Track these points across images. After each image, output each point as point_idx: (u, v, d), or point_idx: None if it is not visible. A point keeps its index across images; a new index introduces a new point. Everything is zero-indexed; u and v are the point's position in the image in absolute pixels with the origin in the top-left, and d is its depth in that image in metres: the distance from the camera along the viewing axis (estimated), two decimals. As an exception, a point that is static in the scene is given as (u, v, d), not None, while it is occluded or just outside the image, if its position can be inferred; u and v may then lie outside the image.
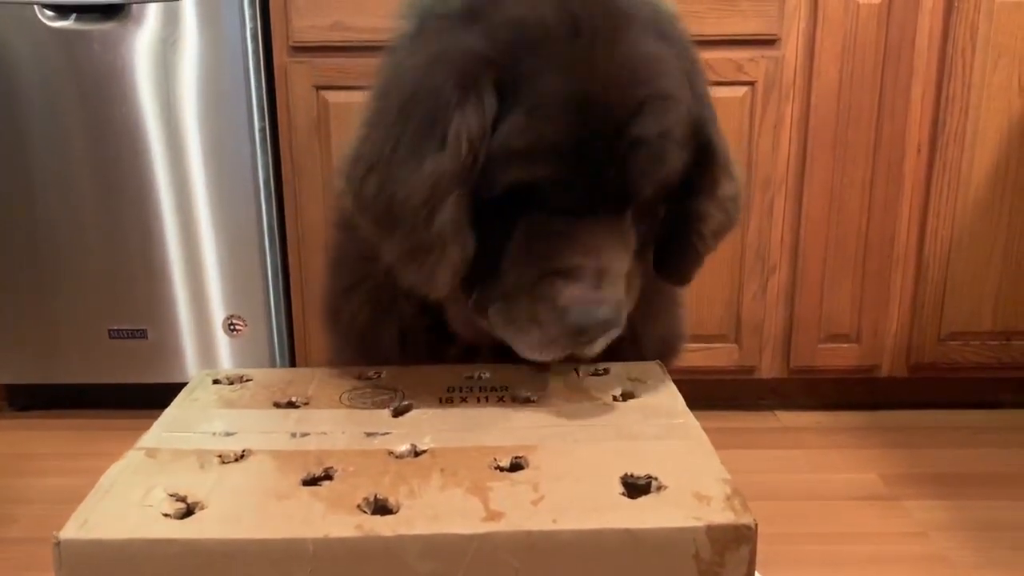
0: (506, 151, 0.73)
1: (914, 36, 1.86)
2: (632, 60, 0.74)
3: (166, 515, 0.58)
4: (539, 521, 0.57)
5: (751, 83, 1.87)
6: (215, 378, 0.84)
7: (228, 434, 0.70)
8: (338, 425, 0.72)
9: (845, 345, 2.03)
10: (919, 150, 1.93)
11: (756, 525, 0.57)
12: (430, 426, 0.72)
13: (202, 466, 0.65)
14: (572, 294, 0.73)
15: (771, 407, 2.14)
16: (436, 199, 0.74)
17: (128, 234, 1.99)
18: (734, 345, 2.03)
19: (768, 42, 1.86)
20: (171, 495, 0.60)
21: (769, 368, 2.05)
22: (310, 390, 0.80)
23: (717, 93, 1.99)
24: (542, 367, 0.83)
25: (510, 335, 0.78)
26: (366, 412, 0.75)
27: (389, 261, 0.79)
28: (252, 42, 1.88)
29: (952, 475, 1.78)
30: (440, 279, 0.76)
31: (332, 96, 1.86)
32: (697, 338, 1.98)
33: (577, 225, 0.75)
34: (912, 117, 1.91)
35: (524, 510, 0.58)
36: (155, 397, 2.19)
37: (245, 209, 1.96)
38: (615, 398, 0.79)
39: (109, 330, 2.04)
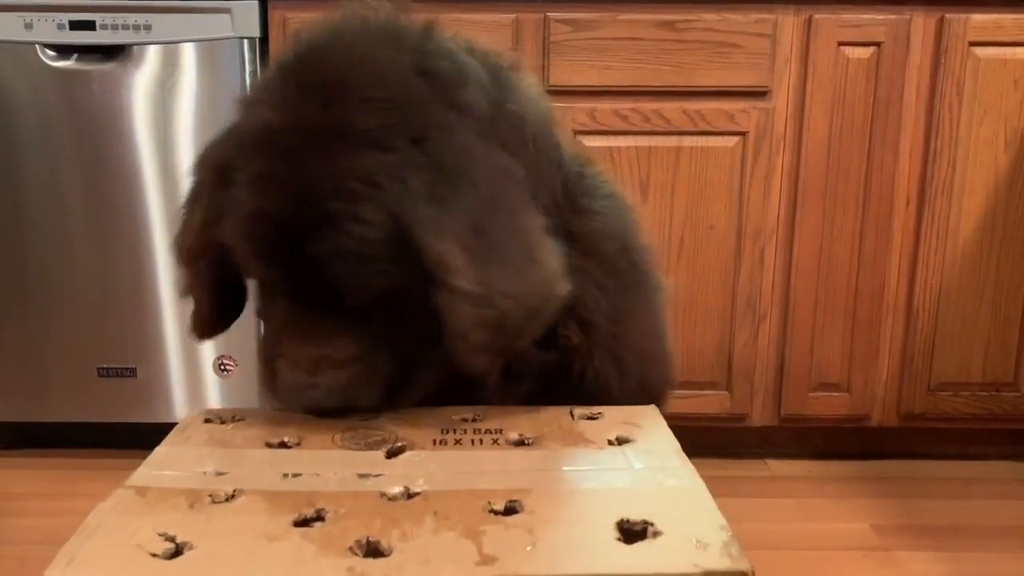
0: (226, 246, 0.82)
1: (902, 91, 1.90)
2: (313, 179, 0.76)
3: (154, 555, 0.57)
4: (533, 566, 0.56)
5: (742, 134, 1.90)
6: (207, 417, 0.83)
7: (219, 474, 0.69)
8: (331, 466, 0.71)
9: (836, 394, 2.03)
10: (908, 202, 1.95)
11: (753, 572, 0.56)
12: (423, 468, 0.71)
13: (192, 506, 0.64)
14: (286, 378, 0.81)
15: (762, 455, 2.13)
16: (186, 262, 0.89)
17: (120, 272, 1.99)
18: (725, 392, 2.03)
19: (759, 94, 1.90)
20: (160, 535, 0.59)
21: (760, 416, 2.05)
22: (303, 431, 0.79)
23: (709, 143, 2.03)
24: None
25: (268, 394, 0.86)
26: (360, 453, 0.75)
27: None
28: (251, 85, 1.91)
29: (944, 527, 1.77)
30: (190, 325, 0.95)
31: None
32: (688, 385, 1.98)
33: (299, 313, 0.81)
34: (901, 170, 1.94)
35: (518, 555, 0.57)
36: (144, 436, 2.17)
37: (239, 250, 1.97)
38: (610, 442, 0.78)
39: (98, 368, 2.03)
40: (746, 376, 2.02)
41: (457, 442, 0.77)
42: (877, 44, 1.88)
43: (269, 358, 0.84)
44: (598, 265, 0.89)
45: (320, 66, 0.80)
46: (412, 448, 0.75)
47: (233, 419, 0.83)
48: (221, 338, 2.14)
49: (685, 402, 1.97)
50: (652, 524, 0.61)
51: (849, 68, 1.88)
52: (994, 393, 2.02)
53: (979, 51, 1.87)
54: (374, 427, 0.80)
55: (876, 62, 1.88)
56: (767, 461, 2.11)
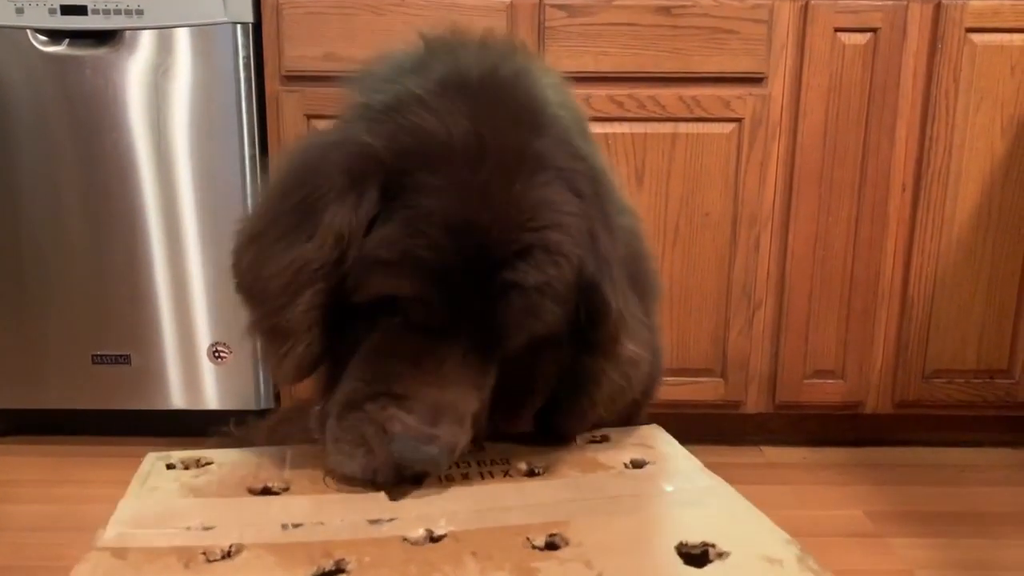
0: (373, 258, 0.70)
1: (899, 77, 1.89)
2: (529, 203, 0.70)
3: None
4: None
5: (738, 120, 1.89)
6: (168, 463, 0.75)
7: (206, 528, 0.62)
8: (333, 513, 0.64)
9: (830, 381, 2.03)
10: (904, 189, 1.95)
11: None
12: (439, 508, 0.65)
13: (187, 566, 0.56)
14: (404, 424, 0.67)
15: (756, 442, 2.13)
16: (295, 288, 0.72)
17: (115, 259, 1.98)
18: (720, 380, 2.03)
19: (755, 80, 1.89)
20: None
21: (755, 403, 2.05)
22: (285, 473, 0.72)
23: (705, 129, 2.02)
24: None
25: (332, 450, 0.72)
26: (359, 496, 0.68)
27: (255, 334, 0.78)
28: (244, 71, 1.89)
29: (937, 513, 1.77)
30: (285, 369, 0.74)
31: (323, 125, 1.87)
32: (683, 372, 1.98)
33: (432, 351, 0.70)
34: (897, 156, 1.93)
35: None
36: (138, 424, 2.17)
37: (233, 237, 1.96)
38: (626, 465, 0.75)
39: (93, 355, 2.02)
40: (741, 363, 2.02)
41: (464, 476, 0.71)
42: (874, 30, 1.87)
43: (359, 396, 0.71)
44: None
45: (512, 94, 0.76)
46: (417, 487, 0.69)
47: (197, 463, 0.75)
48: (215, 325, 2.15)
49: (680, 389, 1.97)
50: (713, 545, 0.58)
51: (845, 54, 1.87)
52: (988, 380, 2.02)
53: (976, 37, 1.86)
54: None
55: (873, 48, 1.87)
56: (762, 448, 2.12)
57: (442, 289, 0.68)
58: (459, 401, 0.70)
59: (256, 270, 0.75)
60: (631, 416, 0.94)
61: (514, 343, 0.72)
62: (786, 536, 0.59)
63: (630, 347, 0.77)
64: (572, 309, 0.74)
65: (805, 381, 2.03)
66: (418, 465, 0.67)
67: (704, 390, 2.02)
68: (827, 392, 2.04)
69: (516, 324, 0.70)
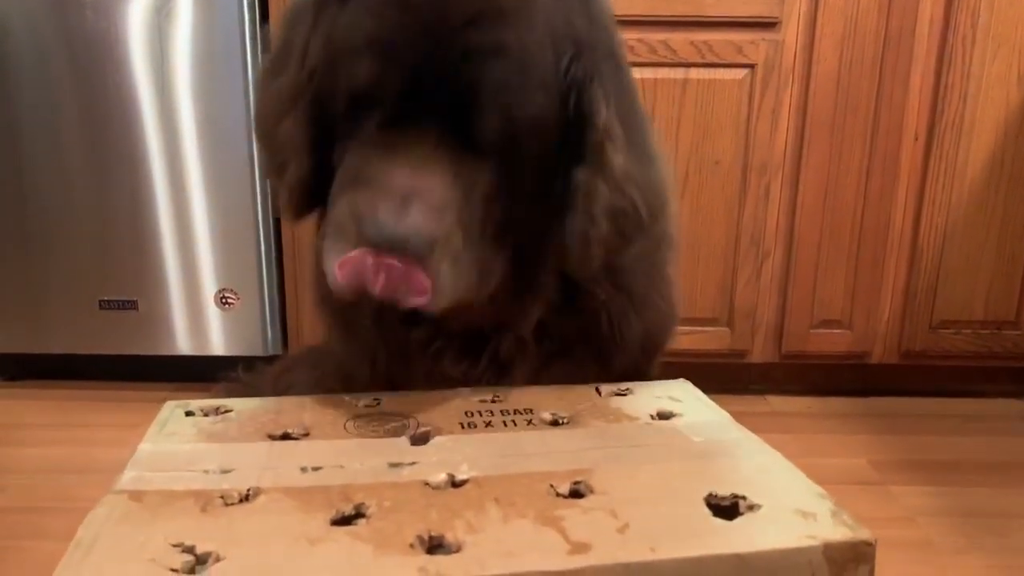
0: (333, 53, 0.71)
1: (915, 23, 1.85)
2: None
3: (174, 571, 0.49)
4: (634, 551, 0.50)
5: (751, 66, 1.86)
6: (187, 410, 0.75)
7: (224, 471, 0.61)
8: (353, 457, 0.64)
9: (837, 331, 2.03)
10: (916, 138, 1.92)
11: (875, 541, 0.52)
12: (461, 454, 0.64)
13: (204, 509, 0.56)
14: (369, 202, 0.66)
15: (762, 391, 2.14)
16: (279, 115, 0.76)
17: (120, 204, 1.98)
18: (726, 329, 2.03)
19: (769, 25, 1.85)
20: (175, 545, 0.51)
21: (761, 353, 2.06)
22: (306, 420, 0.72)
23: (716, 75, 1.98)
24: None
25: (323, 253, 0.70)
26: (381, 441, 0.68)
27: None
28: (248, 12, 1.86)
29: (940, 462, 1.78)
30: (284, 197, 0.78)
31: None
32: (689, 321, 1.98)
33: (402, 138, 0.69)
34: (910, 105, 1.90)
35: (611, 540, 0.51)
36: (145, 369, 2.18)
37: (238, 180, 1.95)
38: (653, 417, 0.74)
39: (99, 301, 2.02)
40: (747, 313, 2.02)
41: (488, 424, 0.71)
42: (891, -27, 1.82)
43: (335, 199, 0.70)
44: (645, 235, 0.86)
45: None
46: (439, 433, 0.69)
47: (217, 411, 0.75)
48: (222, 270, 2.13)
49: (686, 338, 1.97)
50: (744, 497, 0.57)
51: (862, -1, 1.84)
52: (995, 331, 2.02)
53: (995, -19, 1.82)
54: (388, 412, 0.73)
55: (890, -8, 1.83)
56: (767, 397, 2.13)
57: (398, 63, 0.68)
58: (434, 189, 0.67)
59: (260, 113, 0.82)
60: (650, 357, 0.94)
61: (488, 123, 0.69)
62: (820, 490, 0.59)
63: (619, 160, 0.74)
64: (557, 108, 0.72)
65: (812, 331, 2.03)
66: (387, 245, 0.64)
67: (710, 339, 2.02)
68: (833, 342, 2.03)
69: (485, 98, 0.68)
